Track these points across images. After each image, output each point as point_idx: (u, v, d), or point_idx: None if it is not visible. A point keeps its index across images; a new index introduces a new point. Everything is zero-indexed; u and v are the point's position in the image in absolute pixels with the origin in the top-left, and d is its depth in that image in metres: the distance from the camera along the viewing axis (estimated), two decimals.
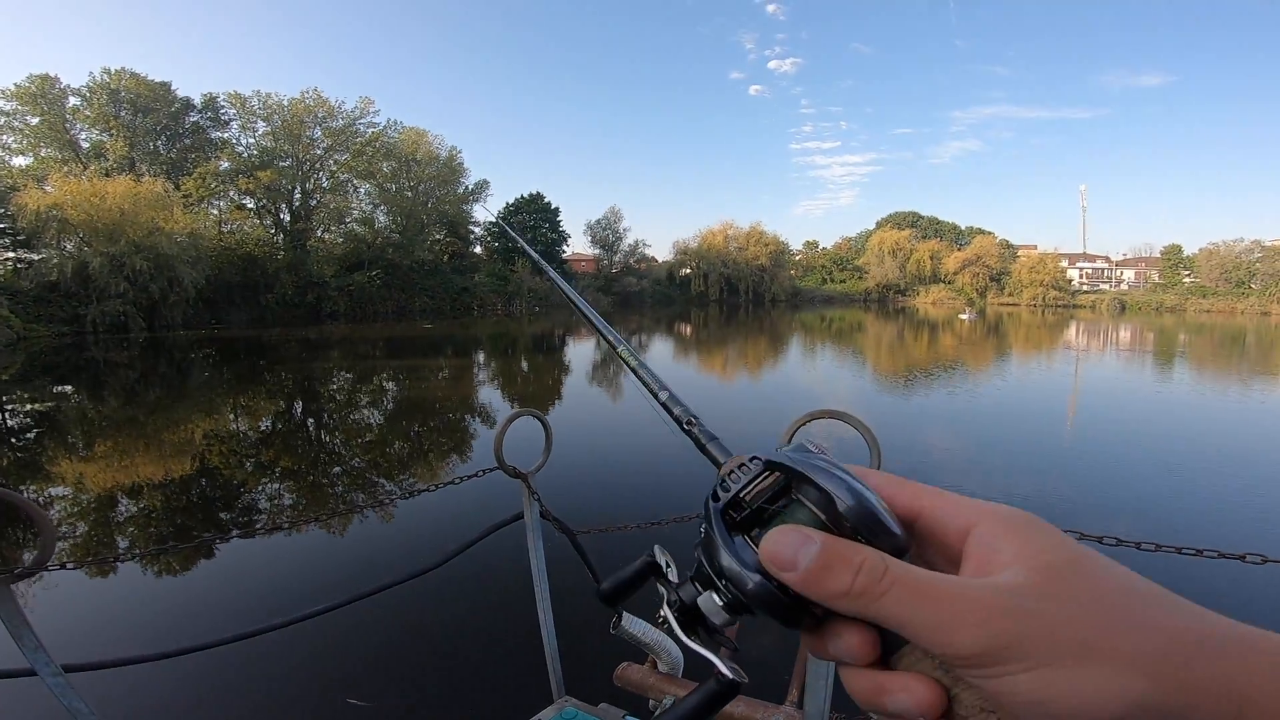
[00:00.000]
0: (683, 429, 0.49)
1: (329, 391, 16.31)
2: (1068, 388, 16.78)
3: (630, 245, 66.00)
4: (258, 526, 6.37)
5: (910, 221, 79.18)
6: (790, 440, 1.47)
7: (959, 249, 73.87)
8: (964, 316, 46.72)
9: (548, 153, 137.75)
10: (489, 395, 15.88)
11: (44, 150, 38.26)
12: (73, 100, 39.25)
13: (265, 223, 44.95)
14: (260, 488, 8.35)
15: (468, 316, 46.71)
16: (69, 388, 17.39)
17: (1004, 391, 15.71)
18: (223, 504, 7.74)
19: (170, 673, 3.47)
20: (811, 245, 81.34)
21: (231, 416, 13.16)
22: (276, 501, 7.87)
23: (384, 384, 17.29)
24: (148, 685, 3.66)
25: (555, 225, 58.83)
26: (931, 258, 70.78)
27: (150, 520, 7.05)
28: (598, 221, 64.77)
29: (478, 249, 58.46)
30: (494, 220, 57.47)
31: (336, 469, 9.43)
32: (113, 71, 40.10)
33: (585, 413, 13.17)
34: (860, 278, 73.66)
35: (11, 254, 32.13)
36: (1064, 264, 70.71)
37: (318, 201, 46.71)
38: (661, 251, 71.94)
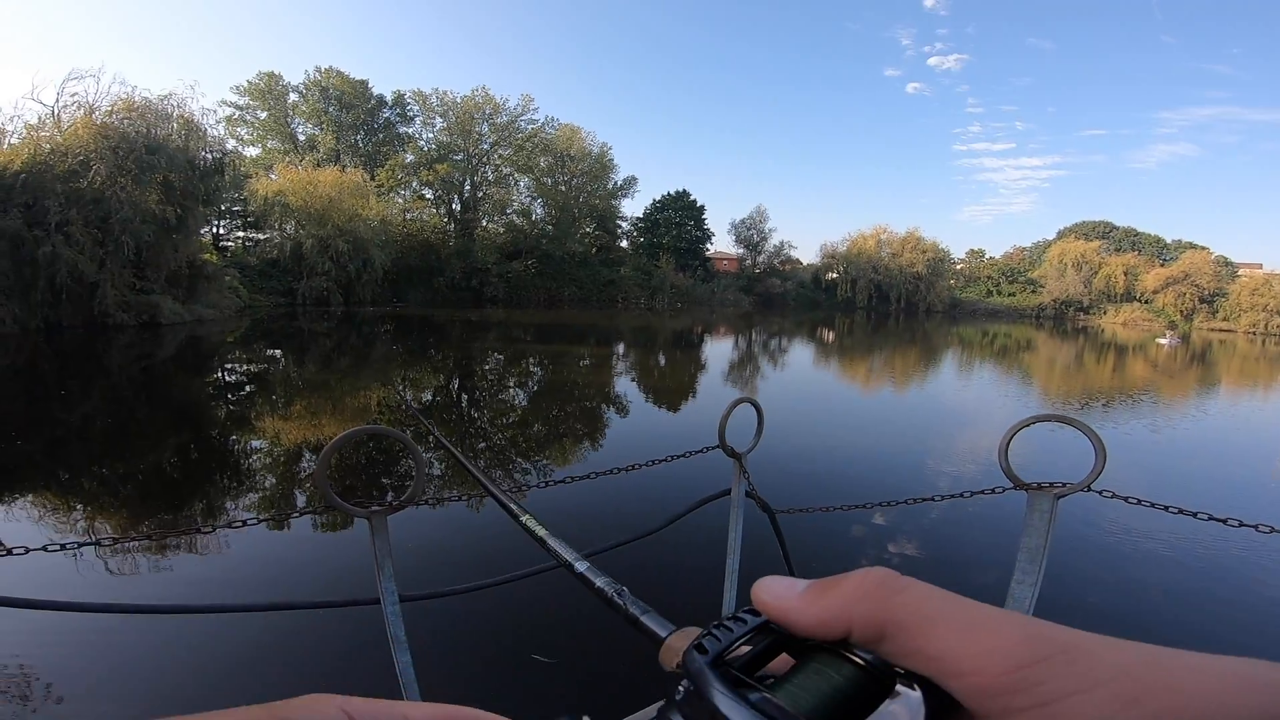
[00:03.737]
0: (610, 604, 0.46)
1: (528, 369, 16.69)
2: None
3: (775, 246, 63.95)
4: (532, 485, 6.35)
5: (1101, 232, 69.99)
6: (1009, 445, 1.69)
7: (1161, 264, 64.06)
8: (1162, 341, 40.14)
9: (694, 150, 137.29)
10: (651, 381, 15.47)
11: (270, 142, 43.62)
12: (292, 96, 44.37)
13: (440, 212, 48.30)
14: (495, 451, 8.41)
15: (612, 308, 47.52)
16: (279, 352, 19.25)
17: (1200, 427, 13.00)
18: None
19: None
20: (976, 254, 74.31)
21: (445, 387, 13.64)
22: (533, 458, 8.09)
23: (530, 367, 17.43)
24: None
25: (700, 223, 58.14)
26: (1125, 273, 61.85)
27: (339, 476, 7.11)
28: (742, 221, 63.30)
29: (624, 243, 59.23)
30: (640, 217, 58.31)
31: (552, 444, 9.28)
32: (323, 69, 44.84)
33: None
34: (1034, 291, 66.06)
35: (243, 233, 36.97)
36: None
37: (483, 194, 49.50)
38: (807, 254, 69.14)
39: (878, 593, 0.26)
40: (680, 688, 0.28)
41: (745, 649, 0.29)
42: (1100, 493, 1.82)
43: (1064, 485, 1.72)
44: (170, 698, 3.32)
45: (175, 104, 23.69)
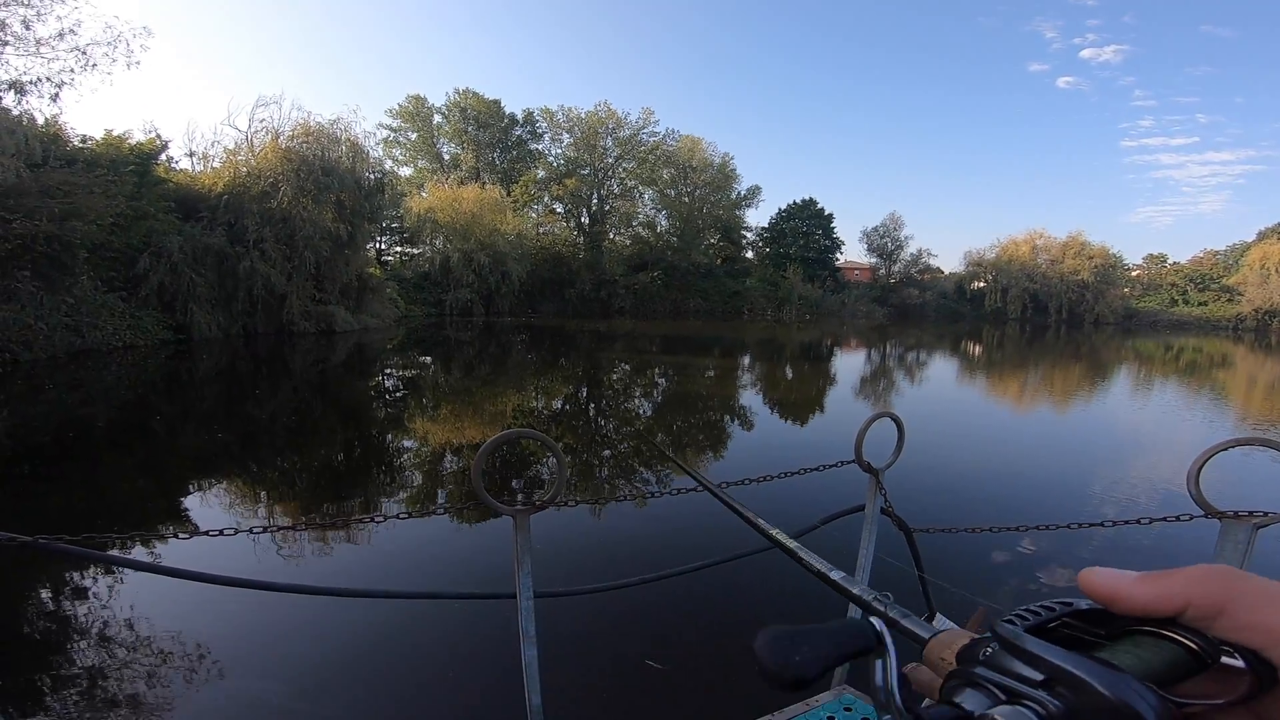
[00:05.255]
0: (868, 608, 0.50)
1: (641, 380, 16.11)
2: None
3: (912, 255, 59.34)
4: (655, 493, 6.49)
5: None
6: (1200, 470, 1.54)
7: None
8: None
9: (822, 161, 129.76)
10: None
11: (420, 161, 46.99)
12: (436, 118, 47.56)
13: (570, 225, 49.61)
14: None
15: (737, 319, 46.28)
16: (429, 358, 19.92)
17: None
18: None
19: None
20: (1157, 259, 64.73)
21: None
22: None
23: (656, 378, 16.58)
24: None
25: (829, 231, 55.30)
26: None
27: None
28: (875, 228, 59.42)
29: (749, 254, 57.76)
30: (765, 227, 56.67)
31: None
32: (460, 91, 47.55)
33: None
34: (1230, 300, 56.37)
35: (400, 248, 40.02)
36: None
37: (610, 207, 50.20)
38: (948, 263, 63.64)
39: (1221, 576, 0.28)
40: (985, 650, 0.29)
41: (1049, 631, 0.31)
42: None
43: (1265, 515, 1.58)
44: (307, 672, 3.43)
45: (343, 128, 25.47)
